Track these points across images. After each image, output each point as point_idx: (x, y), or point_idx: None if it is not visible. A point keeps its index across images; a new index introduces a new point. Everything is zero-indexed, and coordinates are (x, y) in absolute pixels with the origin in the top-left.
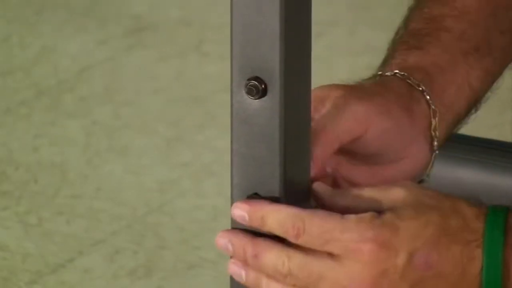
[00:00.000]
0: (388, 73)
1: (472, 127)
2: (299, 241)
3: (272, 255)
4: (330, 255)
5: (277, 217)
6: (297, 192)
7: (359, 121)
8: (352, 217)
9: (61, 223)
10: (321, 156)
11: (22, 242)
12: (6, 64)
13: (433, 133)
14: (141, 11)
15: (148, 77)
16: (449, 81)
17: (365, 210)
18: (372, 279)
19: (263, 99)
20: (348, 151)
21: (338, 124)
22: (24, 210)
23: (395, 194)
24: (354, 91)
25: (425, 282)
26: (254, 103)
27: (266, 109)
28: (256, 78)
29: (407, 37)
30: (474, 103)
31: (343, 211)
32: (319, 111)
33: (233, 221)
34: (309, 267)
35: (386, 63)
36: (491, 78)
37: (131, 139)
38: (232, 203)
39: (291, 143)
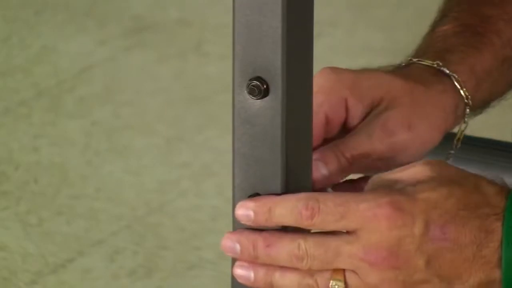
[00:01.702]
0: (442, 68)
1: (473, 127)
2: (314, 221)
3: (287, 241)
4: (347, 232)
5: (287, 204)
6: (299, 192)
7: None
8: (366, 191)
9: (61, 223)
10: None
11: (22, 242)
12: (6, 64)
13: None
14: (141, 11)
15: (148, 77)
16: (484, 88)
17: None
18: (388, 248)
19: (265, 99)
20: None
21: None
22: (24, 210)
23: (417, 171)
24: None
25: (441, 255)
26: (256, 103)
27: (268, 109)
28: (258, 78)
29: (464, 29)
30: (484, 106)
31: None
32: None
33: (235, 223)
34: (326, 243)
35: (435, 50)
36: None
37: (131, 139)
38: (233, 203)
39: (292, 143)
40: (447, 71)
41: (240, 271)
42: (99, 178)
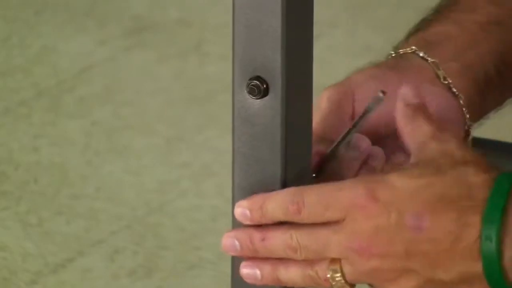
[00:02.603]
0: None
1: (472, 127)
2: (302, 216)
3: (279, 233)
4: (334, 222)
5: (275, 200)
6: None
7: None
8: (346, 180)
9: (61, 223)
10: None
11: (22, 242)
12: (6, 64)
13: (444, 81)
14: (141, 11)
15: (148, 77)
16: (460, 46)
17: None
18: (367, 237)
19: (265, 98)
20: None
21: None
22: (24, 210)
23: (420, 148)
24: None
25: (418, 244)
26: (256, 103)
27: (268, 109)
28: (258, 78)
29: (414, 28)
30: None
31: None
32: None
33: (234, 223)
34: (315, 234)
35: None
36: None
37: (131, 139)
38: (233, 203)
39: (292, 143)
40: (429, 59)
41: (247, 270)
42: (99, 178)
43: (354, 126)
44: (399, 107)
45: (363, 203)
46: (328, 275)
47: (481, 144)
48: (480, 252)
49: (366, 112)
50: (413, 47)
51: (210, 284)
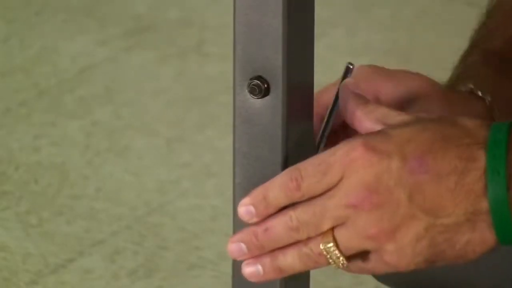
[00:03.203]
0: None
1: None
2: (302, 190)
3: (279, 217)
4: (332, 187)
5: (275, 184)
6: None
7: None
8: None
9: (61, 223)
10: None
11: (22, 242)
12: (6, 64)
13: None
14: (141, 12)
15: (148, 78)
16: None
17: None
18: (367, 186)
19: (266, 98)
20: None
21: None
22: (24, 211)
23: (401, 116)
24: None
25: (422, 187)
26: (257, 103)
27: (269, 109)
28: (259, 78)
29: (492, 58)
30: None
31: None
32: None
33: (235, 223)
34: (311, 205)
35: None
36: None
37: (132, 140)
38: (234, 203)
39: (293, 143)
40: (480, 94)
41: (249, 269)
42: (99, 178)
43: (330, 112)
44: (347, 93)
45: (361, 154)
46: (322, 247)
47: None
48: (486, 187)
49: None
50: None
51: (210, 284)
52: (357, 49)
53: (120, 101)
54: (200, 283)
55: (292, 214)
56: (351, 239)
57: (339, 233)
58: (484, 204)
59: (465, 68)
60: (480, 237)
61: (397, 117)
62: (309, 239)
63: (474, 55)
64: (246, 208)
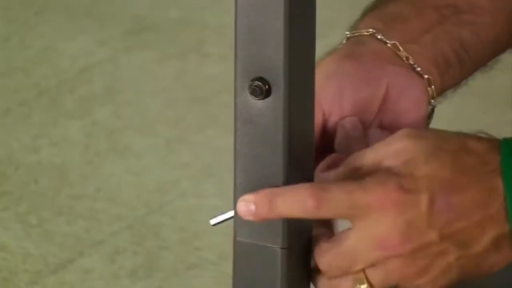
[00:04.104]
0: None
1: (472, 127)
2: (320, 212)
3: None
4: (353, 223)
5: (290, 194)
6: None
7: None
8: (367, 178)
9: (61, 223)
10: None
11: (22, 242)
12: (6, 64)
13: (412, 65)
14: (141, 12)
15: (148, 78)
16: (417, 28)
17: (373, 169)
18: (400, 233)
19: (267, 99)
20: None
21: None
22: (24, 211)
23: (400, 149)
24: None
25: (451, 225)
26: (258, 104)
27: (270, 110)
28: (260, 79)
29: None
30: (468, 59)
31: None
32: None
33: (235, 223)
34: (341, 249)
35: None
36: (483, 38)
37: (131, 140)
38: (234, 203)
39: (294, 144)
40: (377, 35)
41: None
42: (99, 178)
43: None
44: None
45: (395, 199)
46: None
47: None
48: (507, 212)
49: None
50: (370, 30)
51: (210, 284)
52: None
53: (120, 101)
54: (200, 283)
55: (321, 259)
56: (384, 280)
57: (371, 274)
58: (507, 227)
59: (385, 15)
60: (503, 257)
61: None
62: (338, 278)
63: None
64: (246, 204)
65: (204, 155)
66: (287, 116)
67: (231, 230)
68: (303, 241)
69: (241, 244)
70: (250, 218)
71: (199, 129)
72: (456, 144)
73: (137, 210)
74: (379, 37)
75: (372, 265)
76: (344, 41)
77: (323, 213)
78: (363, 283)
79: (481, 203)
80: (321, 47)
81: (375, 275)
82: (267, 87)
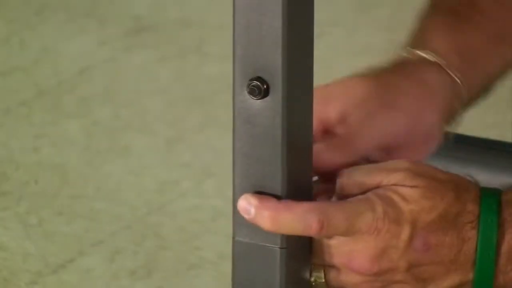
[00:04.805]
0: (423, 54)
1: (472, 127)
2: (322, 234)
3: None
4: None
5: (293, 214)
6: (299, 192)
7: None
8: (362, 204)
9: (61, 223)
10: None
11: (23, 242)
12: (6, 64)
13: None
14: (141, 12)
15: (148, 78)
16: (478, 67)
17: (368, 189)
18: (372, 258)
19: (265, 99)
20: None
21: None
22: (24, 211)
23: (398, 179)
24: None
25: (421, 264)
26: (256, 103)
27: (268, 109)
28: (258, 78)
29: (443, 14)
30: (486, 89)
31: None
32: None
33: (235, 222)
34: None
35: (419, 39)
36: (508, 68)
37: (131, 140)
38: (234, 203)
39: (293, 143)
40: (424, 55)
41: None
42: (99, 178)
43: None
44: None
45: (384, 224)
46: (314, 274)
47: (464, 141)
48: (473, 262)
49: None
50: (441, 60)
51: (210, 284)
52: (357, 49)
53: (120, 101)
54: (200, 283)
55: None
56: (338, 283)
57: (331, 273)
58: (470, 276)
59: (418, 29)
60: None
61: (406, 188)
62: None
63: (428, 15)
64: (247, 206)
65: (204, 155)
66: (286, 115)
67: (231, 230)
68: (302, 240)
69: (240, 244)
70: (246, 217)
71: (199, 129)
72: (451, 192)
73: (137, 210)
74: (449, 72)
75: (334, 266)
76: (402, 54)
77: (323, 235)
78: (321, 275)
79: (454, 249)
80: (320, 46)
81: (333, 275)
82: (265, 86)
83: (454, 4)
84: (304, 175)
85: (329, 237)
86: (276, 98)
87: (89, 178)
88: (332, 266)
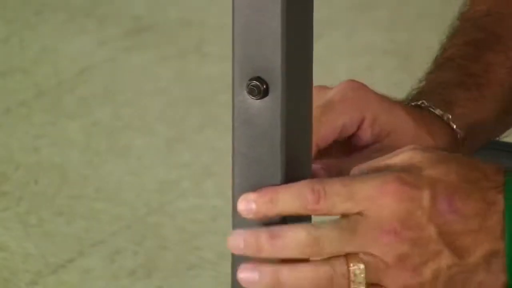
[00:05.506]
0: (440, 113)
1: None
2: (321, 204)
3: (295, 229)
4: (355, 214)
5: (290, 190)
6: None
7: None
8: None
9: (61, 223)
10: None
11: (23, 242)
12: (6, 64)
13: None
14: (141, 12)
15: (148, 78)
16: (482, 137)
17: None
18: (400, 221)
19: (265, 99)
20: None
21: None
22: (24, 211)
23: (408, 156)
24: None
25: (450, 227)
26: (256, 103)
27: (268, 109)
28: (258, 78)
29: (467, 79)
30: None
31: None
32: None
33: (234, 222)
34: (339, 225)
35: (441, 101)
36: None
37: (131, 140)
38: (233, 203)
39: (292, 144)
40: (454, 126)
41: (245, 274)
42: (99, 178)
43: None
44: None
45: (395, 188)
46: (352, 266)
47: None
48: (503, 229)
49: None
50: (460, 131)
51: (210, 284)
52: (357, 49)
53: (120, 101)
54: (200, 283)
55: (312, 231)
56: (379, 267)
57: (367, 260)
58: (502, 245)
59: (441, 84)
60: (493, 279)
61: (423, 154)
62: (330, 258)
63: (449, 69)
64: (247, 203)
65: (204, 155)
66: (285, 115)
67: (231, 230)
68: None
69: None
70: (250, 216)
71: (199, 129)
72: (465, 160)
73: (137, 210)
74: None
75: (368, 252)
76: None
77: (323, 207)
78: (360, 264)
79: (480, 213)
80: (319, 46)
81: (371, 261)
82: (264, 86)
83: (472, 67)
84: (303, 174)
85: (333, 210)
86: (275, 98)
87: (89, 178)
88: (366, 252)
